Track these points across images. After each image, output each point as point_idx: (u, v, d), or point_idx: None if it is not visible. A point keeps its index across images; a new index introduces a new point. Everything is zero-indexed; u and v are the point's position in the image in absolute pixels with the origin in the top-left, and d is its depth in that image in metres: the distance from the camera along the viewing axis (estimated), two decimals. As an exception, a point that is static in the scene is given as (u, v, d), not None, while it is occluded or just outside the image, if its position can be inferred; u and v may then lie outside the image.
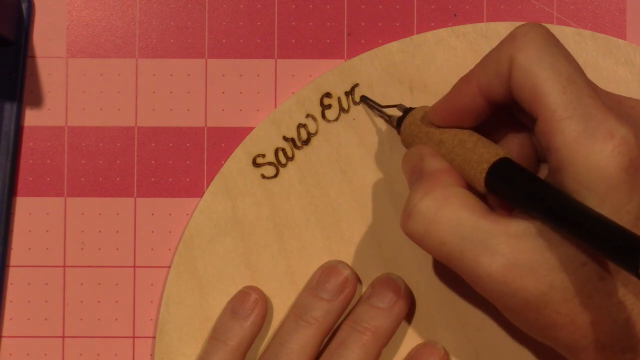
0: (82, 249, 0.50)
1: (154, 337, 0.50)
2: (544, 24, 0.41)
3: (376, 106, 0.49)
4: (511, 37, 0.41)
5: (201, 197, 0.50)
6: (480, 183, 0.41)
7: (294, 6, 0.50)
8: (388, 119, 0.49)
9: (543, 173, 0.44)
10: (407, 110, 0.47)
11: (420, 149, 0.44)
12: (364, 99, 0.49)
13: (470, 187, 0.42)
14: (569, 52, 0.40)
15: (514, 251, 0.39)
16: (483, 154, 0.42)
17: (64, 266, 0.50)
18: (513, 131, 0.44)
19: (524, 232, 0.39)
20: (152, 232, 0.50)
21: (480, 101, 0.42)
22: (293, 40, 0.50)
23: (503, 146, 0.44)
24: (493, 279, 0.39)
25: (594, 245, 0.36)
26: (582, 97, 0.39)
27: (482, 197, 0.42)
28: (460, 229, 0.40)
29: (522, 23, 0.41)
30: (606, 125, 0.38)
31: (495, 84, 0.41)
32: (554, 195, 0.38)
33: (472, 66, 0.43)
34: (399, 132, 0.46)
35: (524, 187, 0.40)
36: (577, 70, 0.40)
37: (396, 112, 0.48)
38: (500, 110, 0.43)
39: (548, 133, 0.39)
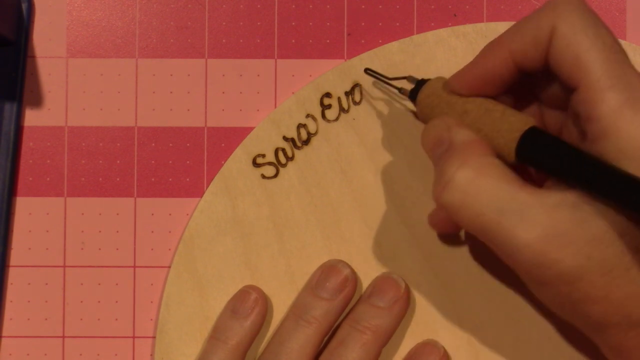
0: (82, 249, 0.50)
1: (154, 337, 0.50)
2: None
3: (383, 79, 0.48)
4: (551, 6, 0.41)
5: (201, 197, 0.50)
6: (510, 152, 0.41)
7: (294, 6, 0.50)
8: (398, 90, 0.48)
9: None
10: (420, 82, 0.46)
11: (445, 120, 0.43)
12: (369, 72, 0.48)
13: (498, 158, 0.42)
14: (606, 25, 0.41)
15: (553, 222, 0.39)
16: (513, 122, 0.41)
17: (64, 266, 0.50)
18: (523, 104, 0.44)
19: (561, 202, 0.39)
20: (152, 232, 0.50)
21: (511, 67, 0.42)
22: (293, 40, 0.50)
23: None
24: (530, 250, 0.39)
25: (637, 209, 0.36)
26: (625, 67, 0.39)
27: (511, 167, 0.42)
28: (497, 200, 0.40)
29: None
30: None
31: (531, 51, 0.41)
32: (593, 162, 0.38)
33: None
34: (414, 104, 0.46)
35: (561, 156, 0.40)
36: (616, 41, 0.40)
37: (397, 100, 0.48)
38: (509, 88, 0.43)
39: (589, 102, 0.39)
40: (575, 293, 0.39)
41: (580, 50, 0.40)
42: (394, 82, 0.48)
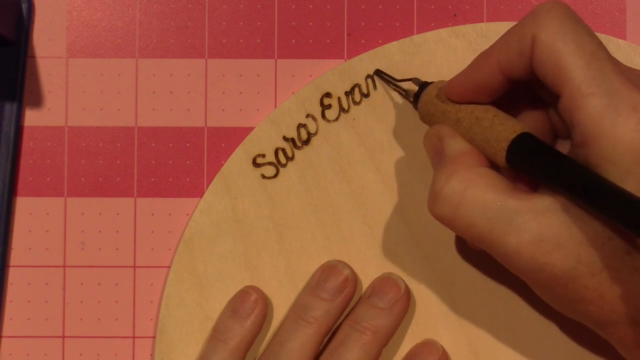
0: (82, 249, 0.50)
1: (154, 337, 0.50)
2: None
3: (391, 80, 0.48)
4: (533, 15, 0.41)
5: (201, 197, 0.50)
6: (502, 161, 0.42)
7: (294, 6, 0.50)
8: (404, 93, 0.48)
9: (560, 149, 0.45)
10: (423, 85, 0.46)
11: (439, 130, 0.44)
12: (379, 73, 0.49)
13: (492, 164, 0.42)
14: (590, 29, 0.41)
15: (541, 227, 0.39)
16: (500, 132, 0.42)
17: (64, 266, 0.50)
18: (530, 106, 0.45)
19: (549, 207, 0.40)
20: (152, 232, 0.50)
21: (499, 78, 0.42)
22: (293, 40, 0.50)
23: (520, 121, 0.44)
24: (521, 256, 0.40)
25: (618, 220, 0.36)
26: (606, 72, 0.39)
27: (504, 172, 0.42)
28: (486, 210, 0.40)
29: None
30: (630, 100, 0.38)
31: (516, 60, 0.41)
32: (575, 170, 0.39)
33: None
34: (416, 108, 0.46)
35: (546, 164, 0.40)
36: (599, 46, 0.40)
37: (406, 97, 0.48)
38: (516, 86, 0.43)
39: (572, 109, 0.39)
40: (571, 294, 0.40)
41: (560, 58, 0.40)
42: (401, 84, 0.48)
